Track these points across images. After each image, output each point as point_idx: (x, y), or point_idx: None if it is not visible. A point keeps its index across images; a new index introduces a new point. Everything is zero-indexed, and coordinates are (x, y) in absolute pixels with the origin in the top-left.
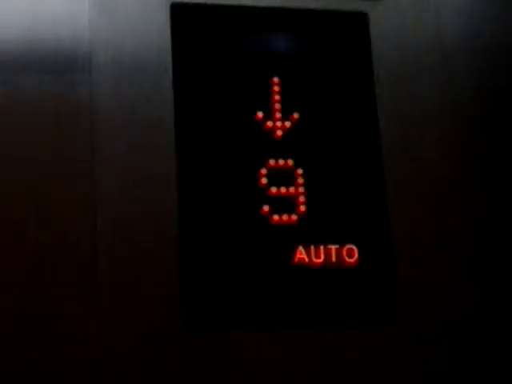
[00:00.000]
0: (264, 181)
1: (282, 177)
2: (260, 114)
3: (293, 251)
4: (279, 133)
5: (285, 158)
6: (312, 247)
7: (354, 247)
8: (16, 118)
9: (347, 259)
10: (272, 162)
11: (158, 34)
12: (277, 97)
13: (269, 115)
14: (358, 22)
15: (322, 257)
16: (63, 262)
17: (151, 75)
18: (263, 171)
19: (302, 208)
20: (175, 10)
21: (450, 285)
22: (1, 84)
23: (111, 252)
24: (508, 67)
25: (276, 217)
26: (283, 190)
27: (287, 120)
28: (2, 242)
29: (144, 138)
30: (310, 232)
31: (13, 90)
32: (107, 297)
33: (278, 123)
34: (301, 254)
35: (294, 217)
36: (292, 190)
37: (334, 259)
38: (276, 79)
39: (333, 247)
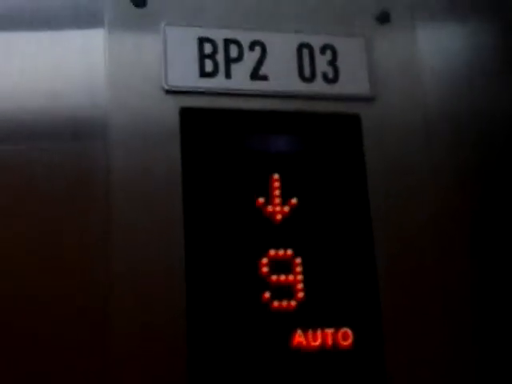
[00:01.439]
0: (265, 269)
1: (281, 265)
2: (261, 200)
3: (292, 335)
4: (279, 217)
5: (285, 248)
6: (310, 331)
7: (349, 330)
8: (34, 184)
9: (342, 342)
10: (272, 252)
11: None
12: (277, 192)
13: (269, 202)
14: (350, 122)
15: (319, 340)
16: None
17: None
18: (264, 261)
19: (300, 294)
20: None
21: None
22: (21, 152)
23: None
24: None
25: (276, 303)
26: (283, 277)
27: (286, 208)
28: (14, 293)
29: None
30: (308, 317)
31: (31, 157)
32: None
33: (278, 208)
34: (299, 337)
35: (293, 303)
36: (291, 277)
37: (330, 342)
38: (276, 176)
39: (329, 331)
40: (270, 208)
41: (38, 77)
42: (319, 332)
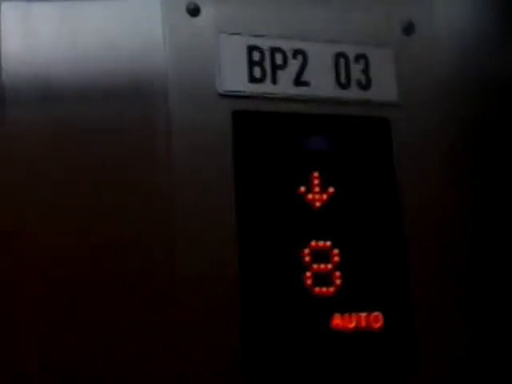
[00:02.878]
0: (307, 259)
1: (321, 255)
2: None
3: (331, 318)
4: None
5: (324, 239)
6: (346, 314)
7: (380, 314)
8: (101, 144)
9: (374, 324)
10: (313, 243)
11: None
12: (316, 181)
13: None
14: (380, 125)
15: (354, 322)
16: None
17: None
18: (306, 251)
19: (338, 282)
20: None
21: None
22: (85, 112)
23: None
24: None
25: (317, 289)
26: (322, 266)
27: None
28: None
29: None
30: (344, 302)
31: (96, 118)
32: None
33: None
34: (337, 320)
35: (331, 289)
36: (329, 266)
37: (363, 324)
38: (315, 172)
39: (362, 314)
40: (310, 196)
41: (103, 39)
42: (354, 315)
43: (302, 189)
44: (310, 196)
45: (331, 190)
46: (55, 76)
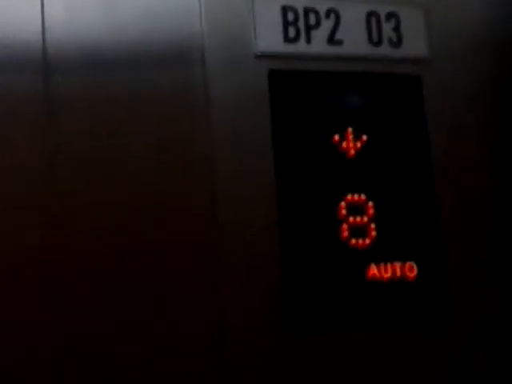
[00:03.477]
0: (343, 212)
1: (357, 208)
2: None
3: (367, 268)
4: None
5: (359, 194)
6: (382, 265)
7: (414, 264)
8: (135, 113)
9: (408, 274)
10: (349, 196)
11: None
12: (351, 137)
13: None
14: (413, 82)
15: (390, 272)
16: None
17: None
18: (343, 204)
19: (373, 233)
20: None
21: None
22: (123, 79)
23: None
24: None
25: (353, 240)
26: (358, 219)
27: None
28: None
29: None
30: (380, 253)
31: (131, 85)
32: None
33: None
34: (373, 270)
35: (367, 241)
36: (365, 219)
37: (398, 274)
38: (350, 129)
39: (397, 264)
40: (344, 144)
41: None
42: (389, 265)
43: (336, 138)
44: (344, 145)
45: (364, 138)
46: (95, 44)
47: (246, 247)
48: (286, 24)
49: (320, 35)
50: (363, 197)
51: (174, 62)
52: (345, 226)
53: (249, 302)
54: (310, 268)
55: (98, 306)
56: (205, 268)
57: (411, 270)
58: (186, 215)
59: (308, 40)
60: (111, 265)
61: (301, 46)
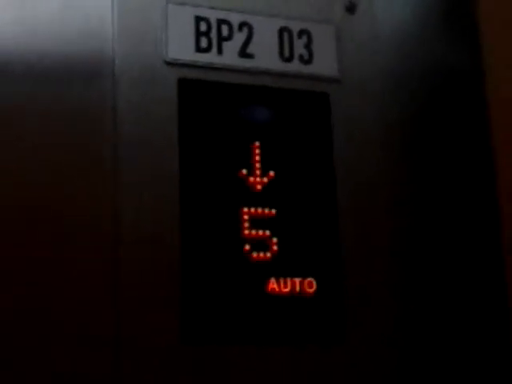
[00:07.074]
0: (246, 225)
1: (259, 222)
2: (244, 172)
3: (267, 282)
4: (259, 186)
5: (262, 208)
6: (281, 279)
7: (313, 280)
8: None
9: (308, 289)
10: (253, 210)
11: None
12: (257, 157)
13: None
14: (320, 99)
15: (289, 287)
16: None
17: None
18: (245, 217)
19: (275, 248)
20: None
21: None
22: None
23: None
24: None
25: (255, 254)
26: (260, 233)
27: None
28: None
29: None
30: (281, 267)
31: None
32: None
33: (258, 175)
34: (273, 284)
35: (268, 254)
36: (267, 233)
37: (297, 289)
38: (257, 143)
39: (297, 280)
40: (251, 179)
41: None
42: (289, 280)
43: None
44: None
45: (270, 153)
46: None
47: (145, 257)
48: (198, 34)
49: (232, 47)
50: (266, 211)
51: (83, 65)
52: (247, 241)
53: (146, 314)
54: (209, 281)
55: None
56: (102, 279)
57: (311, 286)
58: (86, 224)
59: (219, 51)
60: None
61: (212, 57)
